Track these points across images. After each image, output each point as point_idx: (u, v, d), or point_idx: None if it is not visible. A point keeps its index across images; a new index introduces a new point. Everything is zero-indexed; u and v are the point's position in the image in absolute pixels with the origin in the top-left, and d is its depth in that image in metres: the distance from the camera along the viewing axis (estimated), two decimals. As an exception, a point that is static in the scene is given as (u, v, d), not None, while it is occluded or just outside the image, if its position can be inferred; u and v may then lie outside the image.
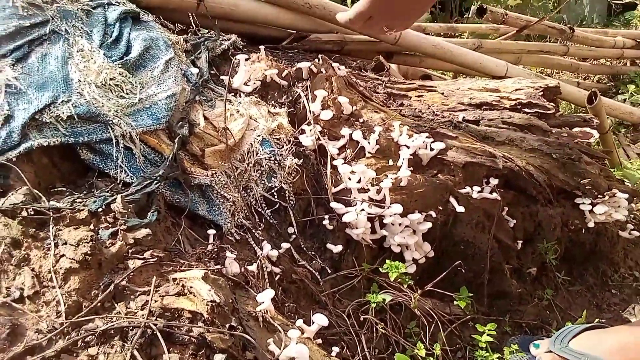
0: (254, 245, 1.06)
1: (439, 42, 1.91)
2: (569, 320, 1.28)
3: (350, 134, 1.23)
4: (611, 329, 1.11)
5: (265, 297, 0.84)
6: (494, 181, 1.24)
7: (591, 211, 1.32)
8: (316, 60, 1.35)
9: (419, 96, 1.48)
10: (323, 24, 1.79)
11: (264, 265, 1.01)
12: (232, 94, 1.28)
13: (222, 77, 1.33)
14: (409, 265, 1.19)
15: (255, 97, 1.29)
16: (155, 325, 0.65)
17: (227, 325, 0.68)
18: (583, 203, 1.32)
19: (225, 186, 1.08)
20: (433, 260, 1.24)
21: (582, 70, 3.10)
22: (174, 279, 0.75)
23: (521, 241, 1.31)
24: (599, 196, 1.32)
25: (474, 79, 1.76)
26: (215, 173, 1.08)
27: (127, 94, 1.09)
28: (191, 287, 0.71)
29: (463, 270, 1.17)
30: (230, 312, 0.73)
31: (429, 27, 2.77)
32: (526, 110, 1.38)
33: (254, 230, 1.08)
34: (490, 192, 1.24)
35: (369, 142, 1.23)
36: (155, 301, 0.70)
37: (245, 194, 1.11)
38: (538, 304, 1.32)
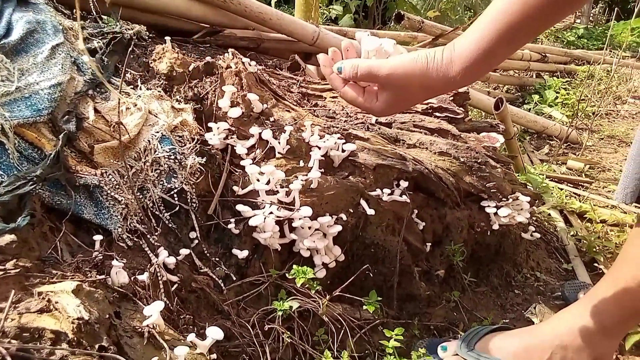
0: (149, 252, 0.96)
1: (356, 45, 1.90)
2: (475, 321, 1.31)
3: (260, 133, 1.18)
4: (515, 331, 1.14)
5: (153, 310, 0.76)
6: (404, 184, 1.24)
7: (496, 214, 1.35)
8: (225, 54, 1.28)
9: (333, 97, 1.45)
10: (238, 20, 1.72)
11: (158, 274, 0.92)
12: (131, 86, 1.18)
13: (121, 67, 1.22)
14: (319, 270, 1.15)
15: (158, 91, 1.20)
16: (7, 349, 0.55)
17: (97, 346, 0.59)
18: (488, 206, 1.35)
19: (117, 187, 0.98)
20: (344, 264, 1.21)
21: (492, 80, 3.27)
22: (39, 293, 0.65)
23: (430, 244, 1.32)
24: (503, 199, 1.36)
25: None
26: (106, 172, 0.98)
27: (2, 81, 0.96)
28: (57, 303, 0.62)
29: (371, 275, 1.15)
30: (106, 329, 0.64)
31: (350, 32, 2.78)
32: (437, 114, 1.40)
33: (149, 236, 0.99)
34: (401, 195, 1.23)
35: (279, 142, 1.18)
36: (12, 319, 0.60)
37: (141, 196, 1.02)
38: (446, 306, 1.33)
